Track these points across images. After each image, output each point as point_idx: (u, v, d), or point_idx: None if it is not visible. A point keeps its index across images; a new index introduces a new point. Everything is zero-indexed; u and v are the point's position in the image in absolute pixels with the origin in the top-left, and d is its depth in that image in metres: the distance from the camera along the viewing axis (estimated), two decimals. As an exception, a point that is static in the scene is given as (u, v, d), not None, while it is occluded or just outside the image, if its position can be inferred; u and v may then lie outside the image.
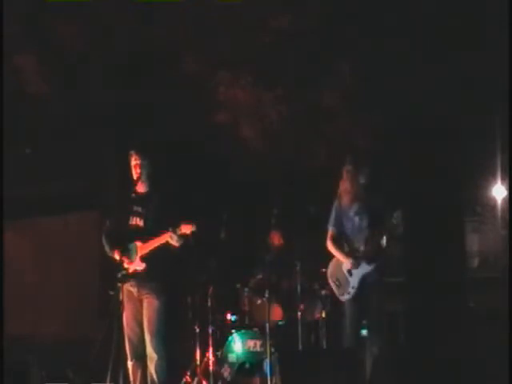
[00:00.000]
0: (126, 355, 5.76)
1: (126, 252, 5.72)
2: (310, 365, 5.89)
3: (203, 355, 6.75)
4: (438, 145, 7.92)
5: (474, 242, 10.97)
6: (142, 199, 5.88)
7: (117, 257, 5.72)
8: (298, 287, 6.64)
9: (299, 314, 6.69)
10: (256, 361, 6.62)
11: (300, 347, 6.65)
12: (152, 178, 5.91)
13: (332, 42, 7.67)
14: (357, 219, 6.07)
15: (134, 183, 5.86)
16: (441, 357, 7.16)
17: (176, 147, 8.39)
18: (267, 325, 6.33)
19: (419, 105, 7.64)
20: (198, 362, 6.75)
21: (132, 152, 5.88)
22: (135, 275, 5.74)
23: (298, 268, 6.63)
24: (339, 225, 6.17)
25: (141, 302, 5.80)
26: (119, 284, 5.51)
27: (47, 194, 10.20)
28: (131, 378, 5.84)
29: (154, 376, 5.72)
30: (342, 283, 6.09)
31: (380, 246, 5.99)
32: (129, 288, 5.76)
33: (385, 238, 5.98)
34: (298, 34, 7.67)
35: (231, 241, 6.78)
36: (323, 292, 6.81)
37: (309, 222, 6.87)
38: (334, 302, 6.58)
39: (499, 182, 8.57)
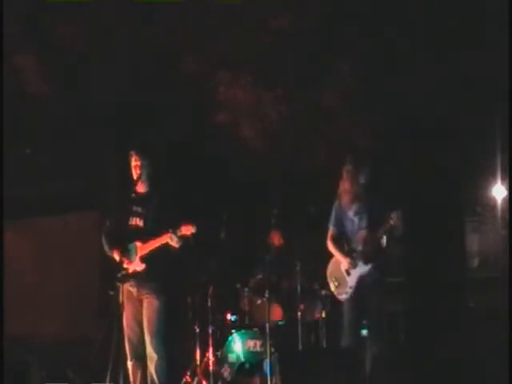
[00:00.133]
0: (125, 355, 5.76)
1: (126, 252, 5.71)
2: (309, 365, 5.89)
3: (203, 355, 6.75)
4: (437, 145, 7.92)
5: (473, 242, 10.93)
6: (141, 199, 5.88)
7: (116, 257, 5.73)
8: (298, 287, 6.64)
9: (299, 313, 6.68)
10: (256, 361, 6.62)
11: (300, 347, 6.65)
12: (152, 178, 5.91)
13: (332, 42, 7.67)
14: (356, 219, 6.08)
15: (133, 183, 5.85)
16: (441, 357, 7.15)
17: (176, 147, 8.39)
18: (267, 325, 6.33)
19: (419, 105, 7.64)
20: (198, 362, 6.75)
21: (132, 152, 5.88)
22: (135, 275, 5.74)
23: (297, 268, 6.63)
24: (339, 224, 6.19)
25: (141, 302, 5.80)
26: (119, 284, 5.50)
27: (47, 194, 10.19)
28: (131, 378, 5.84)
29: (154, 376, 5.72)
30: (340, 283, 6.11)
31: (380, 246, 6.00)
32: (129, 288, 5.75)
33: (385, 238, 5.98)
34: (298, 33, 7.66)
35: (231, 241, 6.79)
36: (323, 292, 6.81)
37: (309, 222, 6.87)
38: (333, 302, 6.58)
39: (499, 182, 8.55)
